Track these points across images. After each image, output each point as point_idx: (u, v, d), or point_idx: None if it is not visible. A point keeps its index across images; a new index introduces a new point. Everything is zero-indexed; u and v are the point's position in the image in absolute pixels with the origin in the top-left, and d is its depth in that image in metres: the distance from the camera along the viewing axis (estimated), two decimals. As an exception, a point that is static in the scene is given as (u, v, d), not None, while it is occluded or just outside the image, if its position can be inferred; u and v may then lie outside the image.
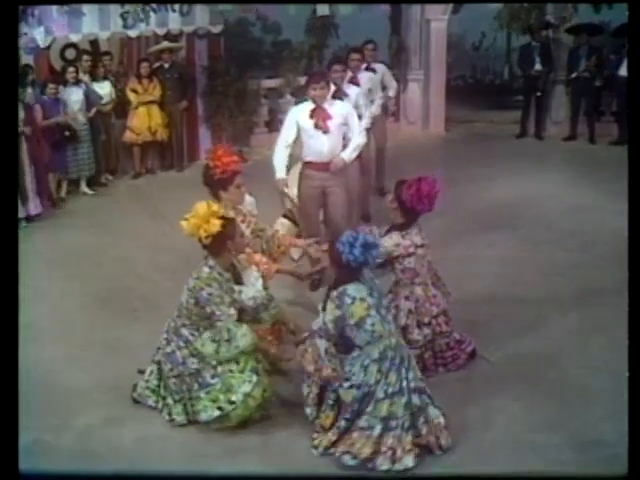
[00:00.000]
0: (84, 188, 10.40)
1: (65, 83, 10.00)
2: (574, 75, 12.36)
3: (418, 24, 13.10)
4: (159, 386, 5.18)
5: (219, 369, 4.93)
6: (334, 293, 4.70)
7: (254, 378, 4.89)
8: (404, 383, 4.67)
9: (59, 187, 10.09)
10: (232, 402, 4.86)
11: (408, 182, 5.43)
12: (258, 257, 5.54)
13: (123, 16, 10.61)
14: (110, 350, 6.01)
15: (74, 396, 5.36)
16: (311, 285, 6.49)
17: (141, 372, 5.33)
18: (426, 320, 5.51)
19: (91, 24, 10.42)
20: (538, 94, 12.77)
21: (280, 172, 6.79)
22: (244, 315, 5.14)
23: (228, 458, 4.71)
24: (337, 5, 11.88)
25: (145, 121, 11.02)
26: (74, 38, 10.42)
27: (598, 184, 9.59)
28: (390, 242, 5.42)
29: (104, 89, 10.62)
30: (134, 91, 10.93)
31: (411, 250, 5.48)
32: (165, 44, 11.17)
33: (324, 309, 4.79)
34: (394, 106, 12.99)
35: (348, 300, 4.66)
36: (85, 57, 10.44)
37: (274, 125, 12.57)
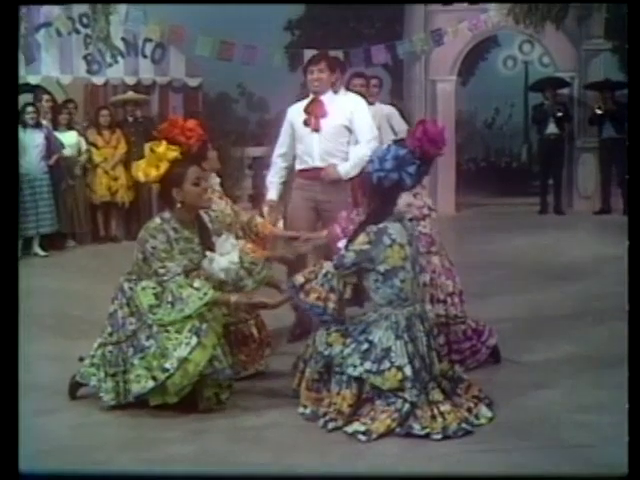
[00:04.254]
0: (36, 248, 10.07)
1: (24, 125, 9.83)
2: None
3: (422, 86, 13.19)
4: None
5: (154, 329, 4.57)
6: (372, 227, 4.44)
7: (193, 340, 4.47)
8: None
9: (11, 247, 9.76)
10: (166, 369, 4.45)
11: (410, 131, 5.25)
12: (242, 243, 5.30)
13: (87, 59, 10.65)
14: (48, 360, 5.73)
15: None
16: (291, 334, 6.14)
17: (82, 359, 4.94)
18: (441, 297, 5.27)
19: (51, 66, 10.44)
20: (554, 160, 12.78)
21: (271, 192, 6.27)
22: (225, 285, 4.87)
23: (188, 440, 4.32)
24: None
25: (104, 180, 10.90)
26: (31, 80, 10.42)
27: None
28: (400, 202, 4.90)
29: (69, 140, 10.52)
30: (94, 145, 10.87)
31: (425, 211, 5.28)
32: (129, 95, 11.24)
33: (347, 246, 4.52)
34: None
35: (387, 240, 4.41)
36: (46, 97, 10.29)
37: (260, 201, 12.41)
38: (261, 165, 12.67)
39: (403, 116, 12.63)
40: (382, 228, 4.43)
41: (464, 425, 4.28)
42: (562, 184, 12.91)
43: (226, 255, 4.92)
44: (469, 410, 4.43)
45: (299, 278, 4.51)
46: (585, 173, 12.97)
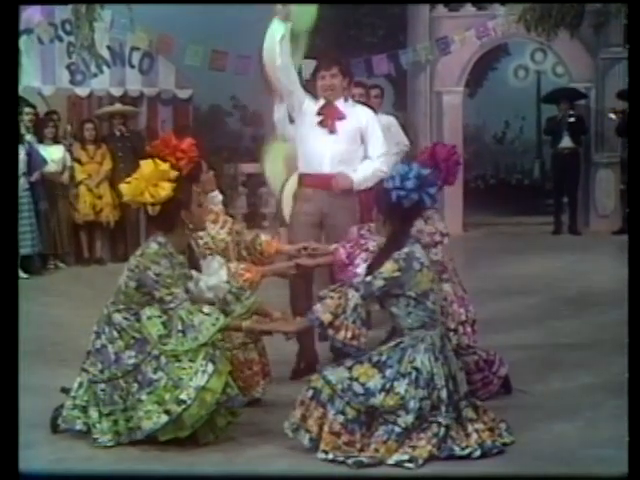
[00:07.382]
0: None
1: (3, 139, 9.92)
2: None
3: (427, 98, 13.25)
4: (89, 402, 4.77)
5: (162, 359, 4.57)
6: (400, 253, 4.50)
7: (209, 367, 4.49)
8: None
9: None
10: (182, 401, 4.44)
11: (419, 151, 5.32)
12: (234, 265, 5.36)
13: (70, 68, 10.71)
14: (27, 390, 5.61)
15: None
16: (294, 370, 6.10)
17: (65, 391, 4.96)
18: (452, 326, 5.27)
19: (32, 76, 10.49)
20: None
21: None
22: None
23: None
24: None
25: (88, 198, 10.97)
26: (9, 91, 10.45)
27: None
28: None
29: (55, 154, 10.59)
30: (77, 161, 10.96)
31: (437, 238, 5.31)
32: (116, 107, 11.32)
33: (374, 275, 4.50)
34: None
35: (417, 265, 4.51)
36: (27, 110, 10.32)
37: (255, 221, 12.47)
38: (256, 182, 12.71)
39: (404, 128, 12.71)
40: (410, 253, 4.50)
41: (497, 443, 4.41)
42: (578, 202, 12.97)
43: (214, 274, 4.96)
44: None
45: (327, 316, 4.46)
46: (603, 190, 13.02)
